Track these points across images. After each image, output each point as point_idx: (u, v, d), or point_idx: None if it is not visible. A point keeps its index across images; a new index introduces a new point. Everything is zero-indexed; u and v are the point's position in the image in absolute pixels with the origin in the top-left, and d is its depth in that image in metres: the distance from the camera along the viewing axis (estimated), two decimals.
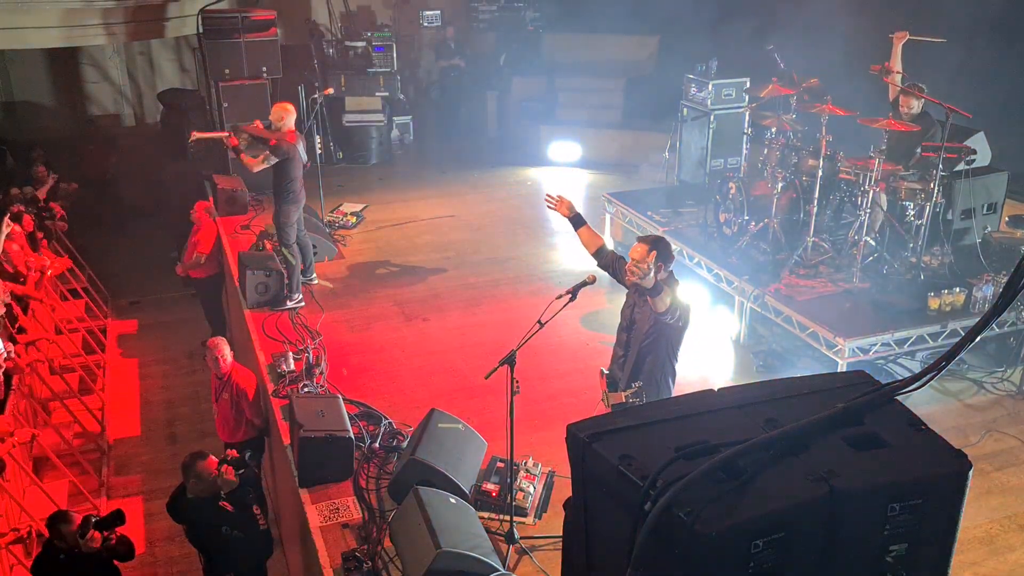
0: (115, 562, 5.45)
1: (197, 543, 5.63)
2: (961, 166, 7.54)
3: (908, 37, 7.73)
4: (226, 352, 6.63)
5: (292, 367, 6.78)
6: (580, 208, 5.56)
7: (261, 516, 5.47)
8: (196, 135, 8.25)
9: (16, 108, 14.08)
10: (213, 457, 5.44)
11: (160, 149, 12.96)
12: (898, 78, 7.66)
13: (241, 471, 5.40)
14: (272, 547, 5.89)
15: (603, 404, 5.11)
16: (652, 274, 4.67)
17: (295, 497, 5.62)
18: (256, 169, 7.64)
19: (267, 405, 6.75)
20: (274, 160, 7.54)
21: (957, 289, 6.90)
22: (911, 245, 7.41)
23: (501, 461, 5.61)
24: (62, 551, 5.22)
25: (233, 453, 5.54)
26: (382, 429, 6.12)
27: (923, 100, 7.42)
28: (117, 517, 5.27)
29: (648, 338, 4.85)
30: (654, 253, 4.65)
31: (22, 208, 9.98)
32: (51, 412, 8.50)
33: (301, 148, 7.75)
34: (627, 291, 5.11)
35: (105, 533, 5.19)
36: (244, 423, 6.70)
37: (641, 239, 4.84)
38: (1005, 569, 5.02)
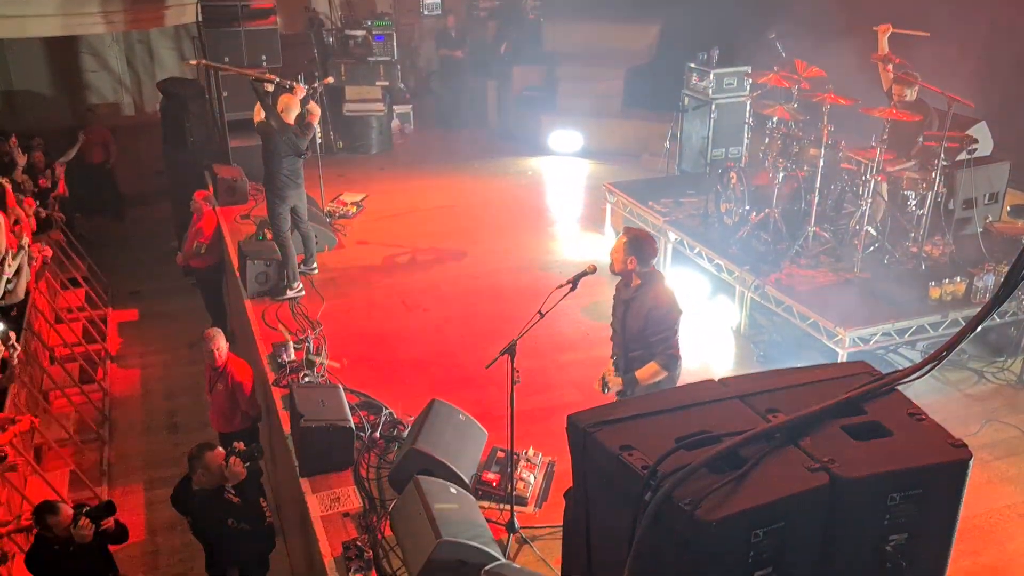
0: (109, 547, 5.48)
1: (201, 535, 5.63)
2: (963, 155, 7.52)
3: (892, 30, 7.70)
4: (222, 344, 6.63)
5: (292, 357, 6.78)
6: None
7: (267, 508, 5.47)
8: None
9: (15, 97, 14.05)
10: (220, 449, 5.44)
11: (160, 138, 12.91)
12: (891, 67, 7.63)
13: (248, 463, 5.40)
14: (274, 539, 5.90)
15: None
16: (625, 265, 4.93)
17: (296, 486, 5.64)
18: (256, 116, 7.61)
19: (267, 395, 6.76)
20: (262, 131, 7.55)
21: (958, 279, 6.89)
22: (912, 235, 7.41)
23: (502, 451, 5.62)
24: (54, 542, 5.22)
25: (240, 446, 5.53)
26: (382, 419, 6.13)
27: (917, 87, 7.40)
28: (108, 508, 5.29)
29: (639, 330, 4.96)
30: (624, 241, 4.95)
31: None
32: (52, 401, 8.51)
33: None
34: (616, 289, 5.21)
35: (99, 523, 5.21)
36: (239, 414, 6.70)
37: (626, 230, 5.12)
38: (1005, 558, 5.03)
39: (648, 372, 4.93)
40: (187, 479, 5.45)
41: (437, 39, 14.48)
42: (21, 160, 10.91)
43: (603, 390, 5.19)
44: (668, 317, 4.90)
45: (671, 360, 4.92)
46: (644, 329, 4.91)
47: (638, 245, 4.92)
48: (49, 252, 9.57)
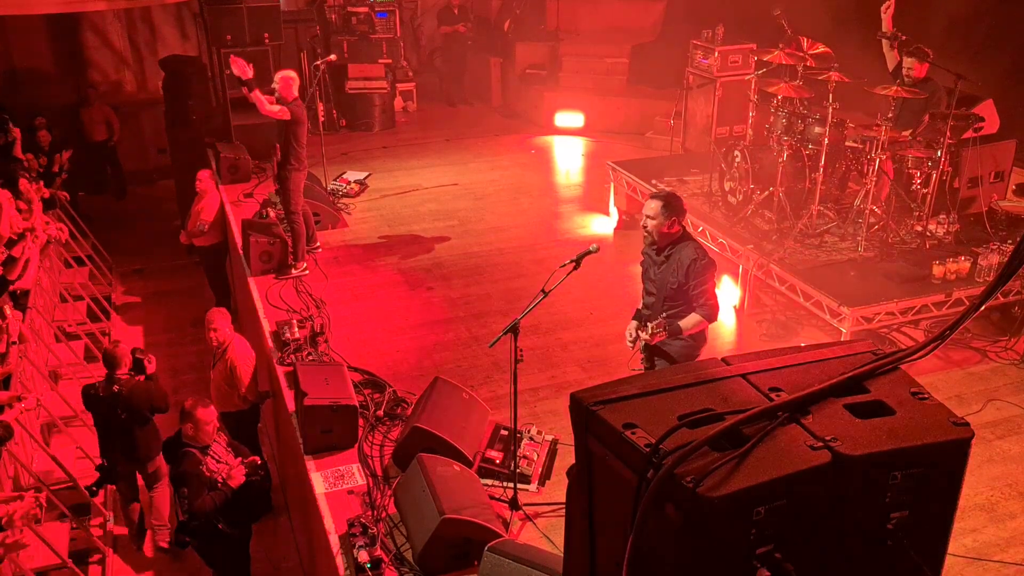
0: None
1: (174, 482, 5.72)
2: (969, 134, 7.49)
3: (893, 4, 7.64)
4: (220, 326, 6.64)
5: (296, 335, 6.80)
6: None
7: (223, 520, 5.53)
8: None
9: (17, 75, 13.99)
10: (214, 408, 5.62)
11: (163, 116, 12.89)
12: (897, 43, 7.56)
13: (249, 476, 5.50)
14: (267, 506, 5.96)
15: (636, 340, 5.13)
16: (666, 227, 4.91)
17: (300, 464, 5.67)
18: (267, 110, 7.40)
19: (271, 373, 6.78)
20: (287, 116, 7.48)
21: (962, 258, 6.88)
22: (917, 213, 7.38)
23: (505, 429, 5.64)
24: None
25: (256, 459, 5.68)
26: (386, 397, 6.16)
27: (927, 65, 7.34)
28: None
29: (677, 293, 4.99)
30: (660, 205, 4.91)
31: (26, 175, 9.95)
32: (57, 379, 8.55)
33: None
34: (644, 253, 5.21)
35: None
36: (235, 395, 6.73)
37: (653, 195, 5.05)
38: (1005, 536, 5.05)
39: (692, 321, 4.95)
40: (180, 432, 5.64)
41: (439, 16, 14.37)
42: (17, 135, 10.84)
43: (630, 343, 5.12)
44: (708, 268, 4.94)
45: (712, 311, 4.97)
46: (685, 282, 4.93)
47: (673, 206, 4.94)
48: (55, 232, 9.56)
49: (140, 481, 7.06)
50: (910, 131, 7.46)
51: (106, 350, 6.65)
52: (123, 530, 7.35)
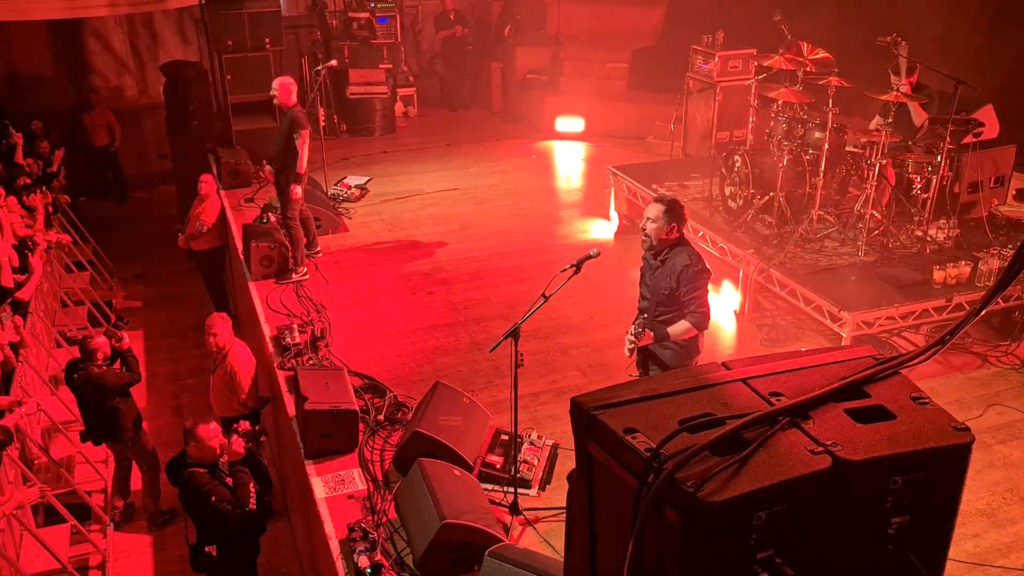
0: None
1: (187, 508, 5.66)
2: (969, 139, 7.49)
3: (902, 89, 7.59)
4: (220, 331, 6.63)
5: (297, 340, 6.80)
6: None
7: (254, 496, 5.42)
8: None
9: (18, 80, 14.02)
10: (216, 424, 5.49)
11: (164, 121, 12.91)
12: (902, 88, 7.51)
13: (249, 444, 5.43)
14: (265, 524, 5.91)
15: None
16: (668, 235, 4.89)
17: (300, 469, 5.67)
18: (306, 154, 7.65)
19: (272, 377, 6.78)
20: (306, 133, 7.56)
21: (963, 263, 6.88)
22: (917, 218, 7.39)
23: (505, 433, 5.64)
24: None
25: (245, 425, 5.59)
26: (387, 402, 6.16)
27: (917, 70, 7.36)
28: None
29: (670, 298, 4.97)
30: (663, 209, 4.89)
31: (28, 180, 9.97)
32: (58, 385, 8.54)
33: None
34: (643, 259, 5.19)
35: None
36: (236, 400, 6.72)
37: (657, 199, 5.04)
38: (1006, 541, 5.05)
39: (680, 328, 4.93)
40: (184, 452, 5.51)
41: (435, 21, 14.39)
42: (19, 140, 10.85)
43: (628, 351, 5.08)
44: (701, 275, 4.92)
45: (702, 319, 4.94)
46: (677, 288, 4.91)
47: (676, 211, 4.92)
48: (55, 238, 9.56)
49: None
50: (910, 136, 7.46)
51: (80, 341, 7.10)
52: (124, 535, 7.36)
